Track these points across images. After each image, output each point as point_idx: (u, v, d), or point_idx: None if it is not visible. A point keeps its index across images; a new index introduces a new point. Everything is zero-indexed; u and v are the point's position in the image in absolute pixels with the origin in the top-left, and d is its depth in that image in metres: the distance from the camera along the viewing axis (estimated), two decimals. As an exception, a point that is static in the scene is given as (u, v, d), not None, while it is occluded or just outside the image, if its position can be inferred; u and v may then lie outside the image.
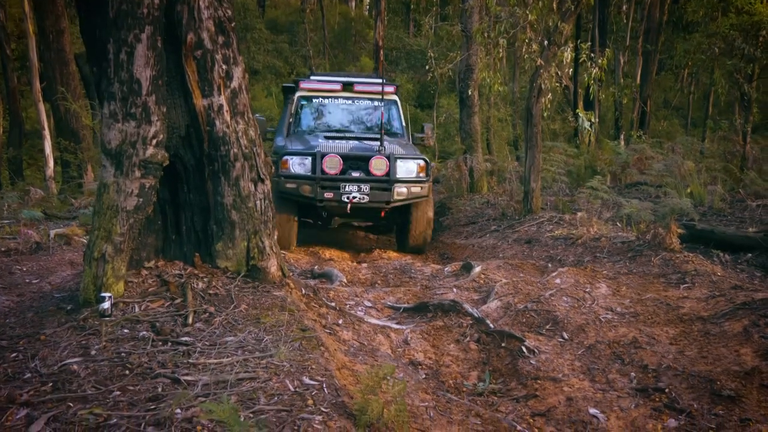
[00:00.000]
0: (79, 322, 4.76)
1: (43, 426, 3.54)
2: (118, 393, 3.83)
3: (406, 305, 6.47)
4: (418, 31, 35.39)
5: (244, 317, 4.93)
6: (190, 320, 4.78)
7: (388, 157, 9.75)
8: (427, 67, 15.56)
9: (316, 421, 3.52)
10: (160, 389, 3.87)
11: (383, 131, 10.26)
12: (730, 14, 14.76)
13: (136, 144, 4.98)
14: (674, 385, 4.67)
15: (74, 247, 8.98)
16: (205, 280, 5.39)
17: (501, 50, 12.04)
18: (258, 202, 5.58)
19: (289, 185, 9.65)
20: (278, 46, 34.08)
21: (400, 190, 9.78)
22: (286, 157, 9.74)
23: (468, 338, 5.74)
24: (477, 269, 7.64)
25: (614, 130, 22.83)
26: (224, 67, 5.37)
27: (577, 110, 16.83)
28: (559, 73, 11.81)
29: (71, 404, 3.71)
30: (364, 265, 9.22)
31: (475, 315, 6.01)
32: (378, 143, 10.12)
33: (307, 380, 4.02)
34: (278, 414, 3.55)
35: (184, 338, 4.56)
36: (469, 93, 15.70)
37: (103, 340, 4.49)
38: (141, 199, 5.09)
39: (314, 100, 11.65)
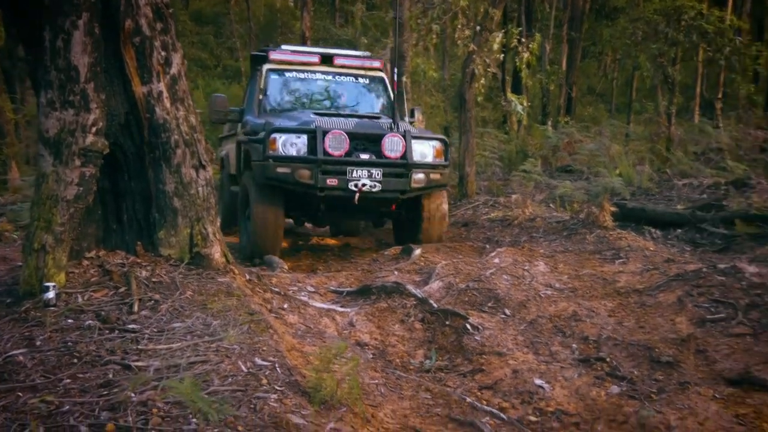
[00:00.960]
0: (21, 314, 4.69)
1: (-7, 416, 3.51)
2: (68, 381, 3.81)
3: (349, 289, 6.54)
4: (345, 21, 35.36)
5: (191, 303, 4.94)
6: (135, 308, 4.76)
7: (403, 136, 8.06)
8: (359, 55, 15.52)
9: (272, 399, 3.58)
10: (111, 375, 3.86)
11: (395, 109, 8.66)
12: (653, -1, 15.18)
13: (75, 132, 4.93)
14: (614, 354, 4.86)
15: (5, 243, 8.81)
16: (148, 268, 5.36)
17: (434, 36, 12.17)
18: (200, 188, 5.57)
19: (280, 170, 7.75)
20: (203, 38, 33.68)
21: (418, 177, 8.07)
22: (274, 135, 7.81)
23: (412, 318, 5.83)
24: (417, 252, 7.75)
25: (542, 116, 23.27)
26: (163, 53, 5.34)
27: (509, 95, 17.13)
28: (487, 60, 11.98)
29: (20, 394, 3.68)
30: (303, 252, 9.25)
31: (419, 295, 6.10)
32: (385, 120, 8.54)
33: (259, 361, 4.06)
34: (234, 394, 3.59)
35: (131, 326, 4.55)
36: (403, 80, 15.81)
37: (48, 330, 4.45)
38: (81, 189, 5.03)
39: (287, 74, 9.65)
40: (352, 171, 7.82)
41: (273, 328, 4.70)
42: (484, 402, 4.39)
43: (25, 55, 5.32)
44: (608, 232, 8.07)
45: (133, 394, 3.58)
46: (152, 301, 4.92)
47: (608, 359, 4.77)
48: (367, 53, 9.86)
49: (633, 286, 6.11)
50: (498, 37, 11.55)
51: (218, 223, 5.83)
